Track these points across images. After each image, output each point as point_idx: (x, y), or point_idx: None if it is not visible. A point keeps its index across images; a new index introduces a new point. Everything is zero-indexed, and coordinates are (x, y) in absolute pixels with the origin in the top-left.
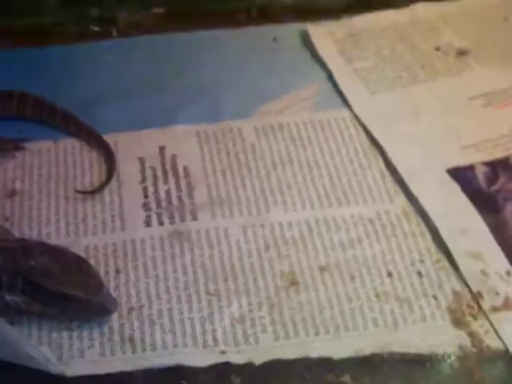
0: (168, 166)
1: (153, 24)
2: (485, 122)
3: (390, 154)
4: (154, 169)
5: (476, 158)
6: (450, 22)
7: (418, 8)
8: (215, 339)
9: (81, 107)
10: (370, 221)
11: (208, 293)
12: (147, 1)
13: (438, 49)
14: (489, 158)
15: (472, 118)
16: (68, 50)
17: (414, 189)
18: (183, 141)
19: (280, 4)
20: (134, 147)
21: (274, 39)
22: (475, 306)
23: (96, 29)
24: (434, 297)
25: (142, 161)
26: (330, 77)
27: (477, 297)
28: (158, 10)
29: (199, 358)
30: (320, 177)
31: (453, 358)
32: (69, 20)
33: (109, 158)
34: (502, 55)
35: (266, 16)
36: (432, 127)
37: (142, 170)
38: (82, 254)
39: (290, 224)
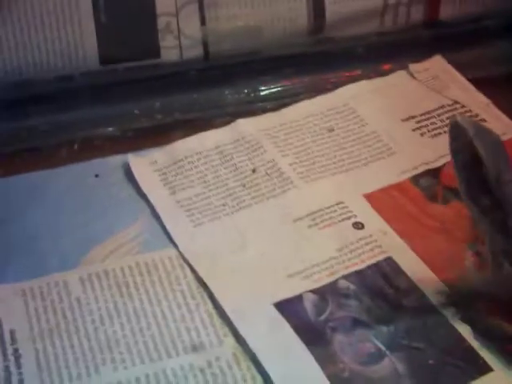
0: None
1: None
2: (310, 246)
3: (217, 293)
4: None
5: (303, 286)
6: (272, 138)
7: (240, 125)
8: None
9: None
10: (201, 370)
11: None
12: None
13: (254, 170)
14: (316, 285)
15: (297, 243)
16: None
17: (242, 329)
18: (8, 301)
19: (103, 135)
20: None
21: (97, 175)
22: None
23: None
24: None
25: None
26: (155, 211)
27: None
28: None
29: None
30: (148, 327)
31: None
32: None
33: None
34: (328, 168)
35: (89, 148)
36: (259, 257)
37: None
38: None
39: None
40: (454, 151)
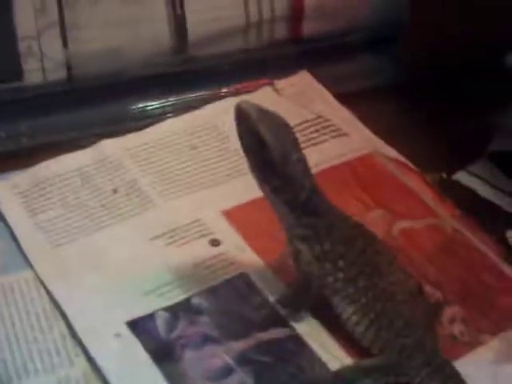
0: None
1: None
2: (166, 263)
3: (70, 314)
4: None
5: (156, 304)
6: (134, 157)
7: (103, 146)
8: None
9: None
10: None
11: None
12: None
13: (115, 190)
14: (169, 302)
15: (154, 261)
16: None
17: (93, 349)
18: None
19: None
20: None
21: None
22: None
23: None
24: None
25: None
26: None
27: None
28: None
29: None
30: (1, 350)
31: None
32: None
33: None
34: (188, 186)
35: None
36: (116, 277)
37: None
38: None
39: None
40: (240, 135)
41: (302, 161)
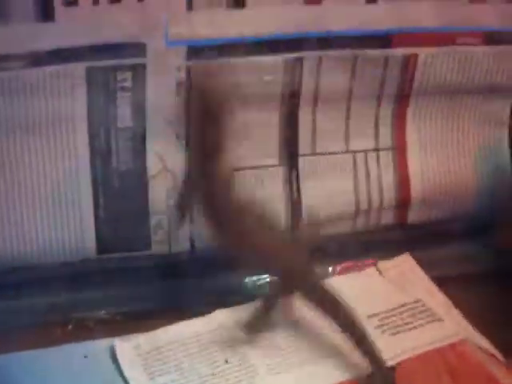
0: None
1: None
2: None
3: None
4: None
5: None
6: None
7: (218, 315)
8: None
9: None
10: None
11: None
12: None
13: (227, 361)
14: None
15: None
16: None
17: None
18: None
19: (94, 318)
20: None
21: (85, 356)
22: None
23: None
24: None
25: None
26: None
27: None
28: None
29: None
30: None
31: None
32: None
33: None
34: (292, 362)
35: (82, 329)
36: None
37: None
38: None
39: None
40: None
41: None
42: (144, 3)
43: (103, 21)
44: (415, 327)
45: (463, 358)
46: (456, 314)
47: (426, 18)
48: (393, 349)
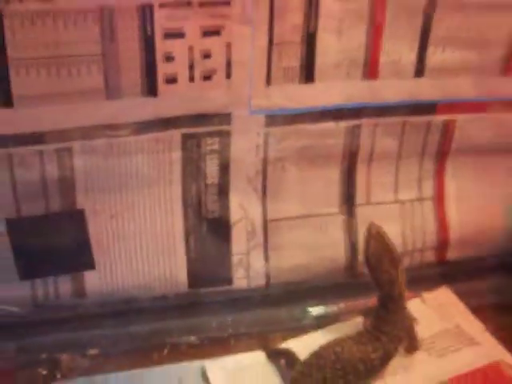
0: None
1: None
2: None
3: None
4: None
5: None
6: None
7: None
8: None
9: None
10: None
11: None
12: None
13: None
14: None
15: None
16: None
17: None
18: None
19: (187, 342)
20: None
21: (180, 378)
22: None
23: (44, 372)
24: None
25: None
26: None
27: None
28: (92, 352)
29: None
30: None
31: None
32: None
33: None
34: None
35: (175, 353)
36: None
37: None
38: None
39: None
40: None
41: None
42: (231, 80)
43: (197, 95)
44: (456, 350)
45: (499, 376)
46: (490, 339)
47: (464, 89)
48: (439, 369)
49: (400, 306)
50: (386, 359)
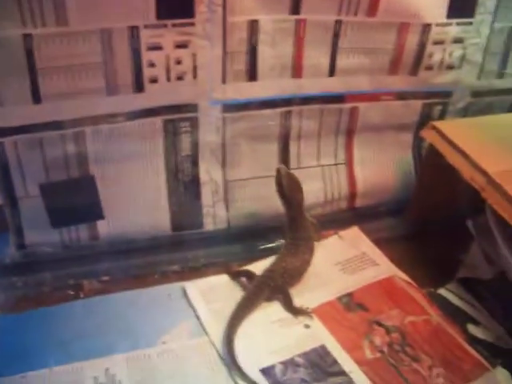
0: None
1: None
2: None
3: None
4: None
5: (276, 359)
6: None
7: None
8: None
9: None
10: None
11: None
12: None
13: None
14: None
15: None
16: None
17: None
18: None
19: (171, 270)
20: None
21: (169, 295)
22: None
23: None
24: None
25: None
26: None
27: None
28: (105, 278)
29: None
30: None
31: None
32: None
33: None
34: None
35: (167, 277)
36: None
37: None
38: None
39: None
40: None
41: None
42: (197, 79)
43: (173, 91)
44: (363, 268)
45: (393, 287)
46: (387, 261)
47: (363, 85)
48: (351, 282)
49: (304, 217)
50: (312, 253)
